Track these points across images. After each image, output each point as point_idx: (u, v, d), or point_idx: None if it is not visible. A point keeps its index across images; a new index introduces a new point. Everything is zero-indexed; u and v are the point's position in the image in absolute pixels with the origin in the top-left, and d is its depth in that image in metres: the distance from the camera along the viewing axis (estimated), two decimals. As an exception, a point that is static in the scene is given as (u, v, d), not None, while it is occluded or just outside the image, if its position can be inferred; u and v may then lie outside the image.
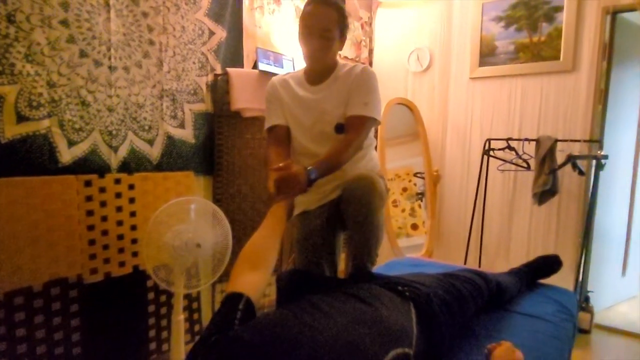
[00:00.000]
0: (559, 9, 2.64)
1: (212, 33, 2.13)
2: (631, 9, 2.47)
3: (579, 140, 2.56)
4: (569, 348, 1.34)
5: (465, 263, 2.91)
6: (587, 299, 2.58)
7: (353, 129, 1.47)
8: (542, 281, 1.83)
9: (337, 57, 1.59)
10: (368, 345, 0.78)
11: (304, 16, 1.46)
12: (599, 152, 2.46)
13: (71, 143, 1.62)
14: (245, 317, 0.82)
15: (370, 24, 3.39)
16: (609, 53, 2.55)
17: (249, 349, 0.73)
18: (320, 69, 1.53)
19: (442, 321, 1.08)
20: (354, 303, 0.95)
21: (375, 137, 2.83)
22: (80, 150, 1.65)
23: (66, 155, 1.61)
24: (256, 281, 0.97)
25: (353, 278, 1.32)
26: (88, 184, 1.67)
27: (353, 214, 1.35)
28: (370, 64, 3.41)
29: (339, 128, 1.51)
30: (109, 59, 1.71)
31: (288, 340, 0.76)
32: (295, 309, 0.88)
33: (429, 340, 1.00)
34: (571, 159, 2.46)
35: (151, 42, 1.87)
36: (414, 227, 3.15)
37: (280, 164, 1.27)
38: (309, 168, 1.30)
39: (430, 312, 1.06)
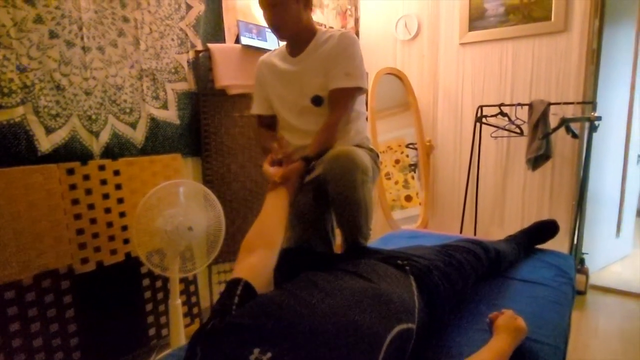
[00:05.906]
0: (549, -34, 2.56)
1: (189, 7, 2.03)
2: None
3: (572, 103, 2.53)
4: (569, 311, 1.34)
5: (461, 232, 2.92)
6: (582, 261, 2.60)
7: (338, 104, 1.40)
8: (539, 246, 1.83)
9: (314, 24, 1.48)
10: (369, 323, 0.75)
11: None
12: (592, 113, 2.43)
13: (49, 130, 1.55)
14: (244, 302, 0.80)
15: (356, -8, 3.27)
16: (600, 11, 2.49)
17: (243, 332, 0.70)
18: (293, 39, 1.45)
19: (443, 293, 1.06)
20: (353, 280, 0.92)
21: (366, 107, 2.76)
22: (59, 137, 1.58)
23: (45, 143, 1.54)
24: (255, 263, 0.96)
25: (349, 253, 1.29)
26: (70, 172, 1.61)
27: (334, 194, 1.28)
28: (357, 33, 3.31)
29: (316, 100, 1.43)
30: (82, 39, 1.61)
31: (284, 320, 0.73)
32: (292, 287, 0.86)
33: (431, 313, 0.99)
34: (565, 122, 2.43)
35: (125, 19, 1.77)
36: (408, 198, 3.13)
37: (277, 148, 1.31)
38: (304, 157, 1.33)
39: (431, 284, 1.04)
